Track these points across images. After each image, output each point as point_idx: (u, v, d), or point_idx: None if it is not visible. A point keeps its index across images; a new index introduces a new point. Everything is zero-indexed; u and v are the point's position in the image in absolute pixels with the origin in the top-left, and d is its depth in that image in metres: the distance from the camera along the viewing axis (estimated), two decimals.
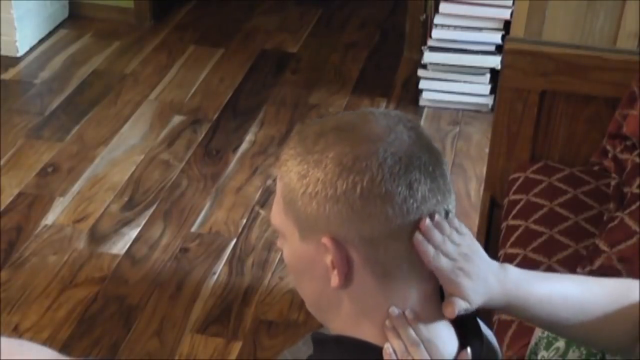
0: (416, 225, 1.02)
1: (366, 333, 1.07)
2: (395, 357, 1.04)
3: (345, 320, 1.08)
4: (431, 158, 1.04)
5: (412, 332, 1.05)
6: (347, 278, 1.04)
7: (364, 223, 1.01)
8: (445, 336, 1.08)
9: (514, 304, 1.12)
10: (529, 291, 1.13)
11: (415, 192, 1.01)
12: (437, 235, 1.04)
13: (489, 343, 1.16)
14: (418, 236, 1.02)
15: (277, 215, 1.08)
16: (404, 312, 1.06)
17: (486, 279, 1.09)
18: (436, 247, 1.04)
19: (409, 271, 1.04)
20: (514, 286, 1.12)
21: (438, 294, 1.09)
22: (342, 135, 1.03)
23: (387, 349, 1.04)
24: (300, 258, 1.07)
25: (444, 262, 1.05)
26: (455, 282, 1.06)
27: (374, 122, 1.04)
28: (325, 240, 1.02)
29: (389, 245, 1.02)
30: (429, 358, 1.05)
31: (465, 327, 1.11)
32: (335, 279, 1.04)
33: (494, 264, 1.12)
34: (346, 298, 1.06)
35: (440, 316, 1.09)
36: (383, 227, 1.01)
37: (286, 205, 1.06)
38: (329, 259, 1.03)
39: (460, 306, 1.07)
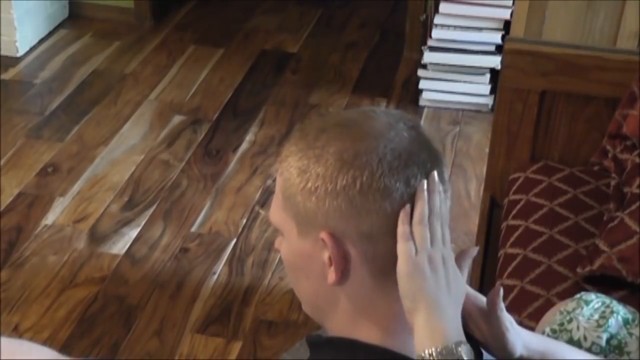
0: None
1: (364, 331, 1.07)
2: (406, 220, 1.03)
3: (342, 319, 1.08)
4: (430, 157, 1.04)
5: (426, 208, 1.03)
6: (344, 274, 1.04)
7: (363, 218, 1.01)
8: None
9: (553, 346, 1.16)
10: (561, 350, 1.17)
11: (412, 188, 1.02)
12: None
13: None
14: None
15: (276, 211, 1.09)
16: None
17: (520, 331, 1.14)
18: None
19: None
20: (547, 341, 1.18)
21: None
22: (344, 131, 1.04)
23: (406, 209, 1.02)
24: (298, 255, 1.07)
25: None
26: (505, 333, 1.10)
27: (375, 119, 1.05)
28: (324, 235, 1.02)
29: (387, 242, 1.02)
30: (427, 240, 1.03)
31: None
32: (332, 275, 1.04)
33: None
34: (343, 296, 1.06)
35: None
36: (382, 223, 1.01)
37: (285, 201, 1.06)
38: (326, 255, 1.03)
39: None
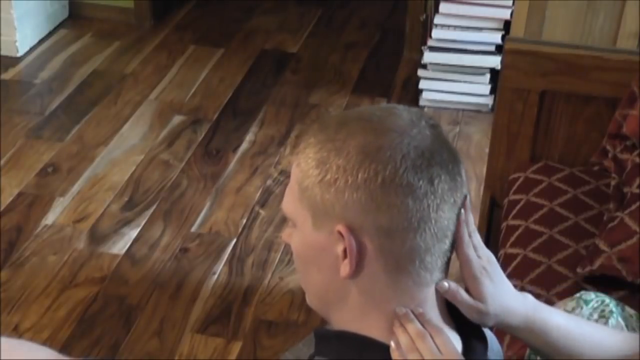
0: (434, 223, 1.03)
1: (372, 326, 1.06)
2: (400, 353, 1.04)
3: (351, 312, 1.07)
4: (450, 157, 1.05)
5: (418, 324, 1.05)
6: (357, 268, 1.03)
7: (382, 213, 1.01)
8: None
9: (531, 326, 1.14)
10: (548, 317, 1.15)
11: (436, 188, 1.02)
12: (471, 224, 1.08)
13: (492, 345, 1.16)
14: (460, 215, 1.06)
15: (290, 202, 1.08)
16: (410, 310, 1.06)
17: (506, 290, 1.12)
18: (469, 234, 1.08)
19: (420, 268, 1.04)
20: (532, 309, 1.14)
21: (444, 302, 1.10)
22: (366, 125, 1.03)
23: (393, 344, 1.04)
24: (311, 247, 1.07)
25: (472, 254, 1.08)
26: (479, 279, 1.09)
27: (397, 115, 1.05)
28: (340, 227, 1.02)
29: (405, 238, 1.02)
30: (435, 347, 1.04)
31: (468, 329, 1.11)
32: (345, 268, 1.03)
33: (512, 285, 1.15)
34: (354, 289, 1.06)
35: (445, 321, 1.09)
36: (402, 218, 1.01)
37: (302, 192, 1.05)
38: (340, 248, 1.03)
39: (465, 300, 1.09)
